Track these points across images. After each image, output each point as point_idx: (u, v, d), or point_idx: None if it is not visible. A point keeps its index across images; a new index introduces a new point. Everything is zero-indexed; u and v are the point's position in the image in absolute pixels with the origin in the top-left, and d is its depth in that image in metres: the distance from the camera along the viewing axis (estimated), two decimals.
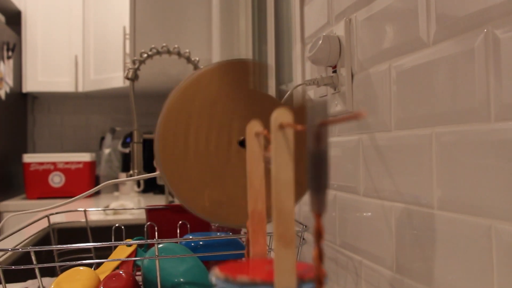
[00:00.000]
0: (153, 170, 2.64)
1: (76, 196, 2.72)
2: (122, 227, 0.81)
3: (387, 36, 0.57)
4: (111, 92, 2.93)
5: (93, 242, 0.67)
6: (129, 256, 0.71)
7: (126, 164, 2.81)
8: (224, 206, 0.57)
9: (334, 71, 0.70)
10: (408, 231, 0.53)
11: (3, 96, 2.49)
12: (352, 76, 0.66)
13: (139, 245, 0.74)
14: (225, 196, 0.57)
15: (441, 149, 0.47)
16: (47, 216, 0.76)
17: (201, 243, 0.70)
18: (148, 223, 0.81)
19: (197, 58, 1.24)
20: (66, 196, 2.61)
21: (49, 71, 2.86)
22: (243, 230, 0.89)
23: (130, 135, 2.77)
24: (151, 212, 0.83)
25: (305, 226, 0.68)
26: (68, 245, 0.58)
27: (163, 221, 0.83)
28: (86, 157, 2.64)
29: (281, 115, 0.31)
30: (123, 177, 2.68)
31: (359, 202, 0.65)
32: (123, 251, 0.73)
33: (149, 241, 0.59)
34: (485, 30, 0.41)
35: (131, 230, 1.68)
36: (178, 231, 0.81)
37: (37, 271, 0.57)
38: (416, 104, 0.51)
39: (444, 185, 0.47)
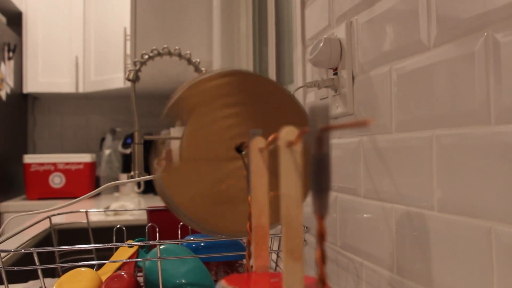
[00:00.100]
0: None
1: (76, 196, 2.72)
2: (124, 228, 0.81)
3: (388, 39, 0.57)
4: (112, 93, 2.93)
5: (93, 243, 0.67)
6: (130, 257, 0.71)
7: (126, 165, 2.81)
8: (224, 213, 0.57)
9: (335, 73, 0.70)
10: (409, 232, 0.53)
11: (3, 97, 2.49)
12: (353, 78, 0.67)
13: (141, 246, 0.74)
14: (224, 202, 0.57)
15: (441, 151, 0.47)
16: (49, 217, 0.77)
17: (202, 244, 0.71)
18: (150, 224, 0.81)
19: (198, 60, 1.25)
20: (67, 197, 2.61)
21: (50, 72, 2.86)
22: None
23: (130, 136, 2.77)
24: (152, 213, 0.83)
25: (306, 228, 0.68)
26: (71, 246, 0.58)
27: (164, 222, 0.83)
28: (86, 157, 2.65)
29: (289, 133, 0.31)
30: (123, 178, 2.68)
31: (360, 204, 0.65)
32: (124, 252, 0.73)
33: (151, 242, 0.59)
34: (485, 34, 0.41)
35: (132, 231, 1.68)
36: (179, 232, 0.81)
37: (39, 272, 0.57)
38: (417, 107, 0.52)
39: (444, 187, 0.47)
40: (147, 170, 2.64)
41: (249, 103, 0.57)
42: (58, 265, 0.60)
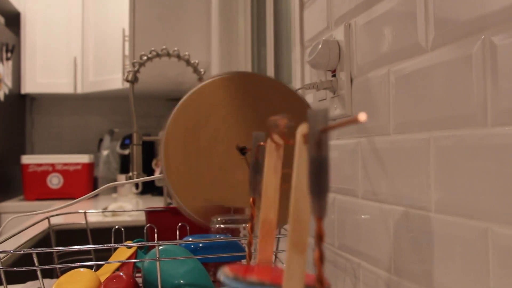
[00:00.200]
0: (151, 171, 2.64)
1: (73, 197, 2.72)
2: (122, 229, 0.81)
3: (386, 41, 0.58)
4: (110, 93, 2.93)
5: (92, 244, 0.67)
6: (129, 258, 0.71)
7: (124, 166, 2.81)
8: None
9: (334, 75, 0.70)
10: (406, 233, 0.54)
11: (1, 97, 2.49)
12: (351, 80, 0.67)
13: (139, 247, 0.74)
14: (222, 200, 0.58)
15: (438, 153, 0.48)
16: (48, 218, 0.77)
17: (200, 245, 0.71)
18: (148, 225, 0.82)
19: (196, 61, 1.25)
20: (65, 197, 2.61)
21: (48, 73, 2.86)
22: (243, 233, 0.90)
23: (129, 136, 2.77)
24: (150, 214, 0.83)
25: None
26: (70, 247, 0.58)
27: (163, 223, 0.83)
28: (84, 158, 2.65)
29: (305, 128, 0.31)
30: (121, 178, 2.69)
31: (358, 205, 0.66)
32: (123, 253, 0.73)
33: (150, 243, 0.59)
34: (482, 37, 0.42)
35: (130, 232, 1.68)
36: (177, 233, 0.82)
37: (38, 272, 0.57)
38: (415, 109, 0.52)
39: (441, 189, 0.47)
40: (145, 171, 2.64)
41: (241, 99, 0.58)
42: (57, 266, 0.60)
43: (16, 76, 2.77)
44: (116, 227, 0.83)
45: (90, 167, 2.71)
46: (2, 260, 0.57)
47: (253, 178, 0.40)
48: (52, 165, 2.59)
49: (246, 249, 0.42)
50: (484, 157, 0.41)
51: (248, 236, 0.42)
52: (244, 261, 0.70)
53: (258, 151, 0.41)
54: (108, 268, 0.70)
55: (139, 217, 1.78)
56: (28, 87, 2.84)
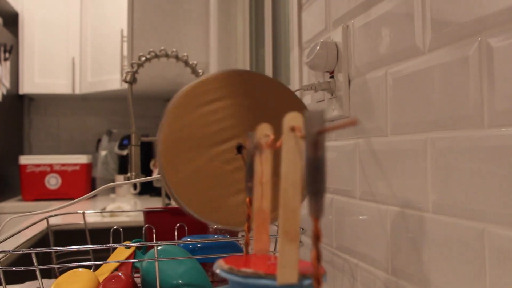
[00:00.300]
0: (149, 172, 2.64)
1: (72, 198, 2.72)
2: (121, 229, 0.81)
3: (384, 43, 0.58)
4: (108, 94, 2.93)
5: (90, 244, 0.67)
6: (128, 258, 0.72)
7: (122, 166, 2.81)
8: (221, 209, 0.58)
9: (331, 77, 0.71)
10: (403, 234, 0.54)
11: None
12: (349, 81, 0.67)
13: (138, 247, 0.74)
14: (222, 199, 0.58)
15: (435, 154, 0.48)
16: (46, 218, 0.77)
17: (199, 245, 0.71)
18: (146, 225, 0.82)
19: (195, 62, 1.25)
20: (63, 198, 2.61)
21: (46, 73, 2.86)
22: (241, 233, 0.90)
23: (127, 137, 2.77)
24: (149, 214, 0.84)
25: (302, 229, 0.69)
26: (69, 247, 0.58)
27: (161, 224, 0.83)
28: (82, 159, 2.65)
29: (293, 118, 0.32)
30: (119, 179, 2.69)
31: (355, 206, 0.66)
32: (122, 253, 0.74)
33: (148, 243, 0.59)
34: (479, 39, 0.42)
35: (128, 232, 1.69)
36: (176, 233, 0.82)
37: (37, 272, 0.57)
38: (412, 110, 0.52)
39: (438, 189, 0.48)
40: (144, 171, 2.64)
41: (236, 96, 0.58)
42: (56, 266, 0.60)
43: (14, 77, 2.77)
44: (115, 227, 0.83)
45: (88, 167, 2.71)
46: (1, 260, 0.57)
47: (249, 178, 0.41)
48: (50, 165, 2.59)
49: (244, 249, 0.42)
50: (481, 158, 0.42)
51: (245, 235, 0.42)
52: None
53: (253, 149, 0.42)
54: (106, 268, 0.70)
55: (137, 218, 1.78)
56: (26, 87, 2.84)
